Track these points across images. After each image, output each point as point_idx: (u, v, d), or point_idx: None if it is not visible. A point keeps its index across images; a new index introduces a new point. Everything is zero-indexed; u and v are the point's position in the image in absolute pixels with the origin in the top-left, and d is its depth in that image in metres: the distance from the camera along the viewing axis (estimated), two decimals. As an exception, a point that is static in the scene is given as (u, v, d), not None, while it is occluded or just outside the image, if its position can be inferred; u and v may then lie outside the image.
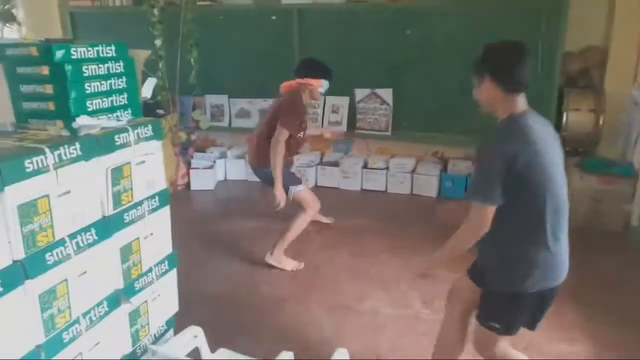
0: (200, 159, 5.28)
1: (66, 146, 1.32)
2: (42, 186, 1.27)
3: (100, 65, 1.48)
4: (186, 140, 5.16)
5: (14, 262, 1.22)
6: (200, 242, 3.95)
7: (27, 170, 1.22)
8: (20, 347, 1.22)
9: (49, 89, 1.41)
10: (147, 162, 1.64)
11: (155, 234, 1.73)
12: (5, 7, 3.75)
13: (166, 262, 1.81)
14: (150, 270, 1.72)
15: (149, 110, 4.82)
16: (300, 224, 3.32)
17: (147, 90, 5.07)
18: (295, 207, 3.38)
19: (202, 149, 5.49)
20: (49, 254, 1.30)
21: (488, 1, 4.42)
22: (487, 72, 1.60)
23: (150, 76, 5.05)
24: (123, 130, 1.51)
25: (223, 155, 5.47)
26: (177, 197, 5.03)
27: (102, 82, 1.49)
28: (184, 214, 4.63)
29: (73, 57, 1.41)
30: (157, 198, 1.71)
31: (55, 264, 1.32)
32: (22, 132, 1.39)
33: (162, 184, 1.73)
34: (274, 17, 4.96)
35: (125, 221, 1.57)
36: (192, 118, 5.20)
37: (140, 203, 1.63)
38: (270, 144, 3.13)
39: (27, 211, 1.23)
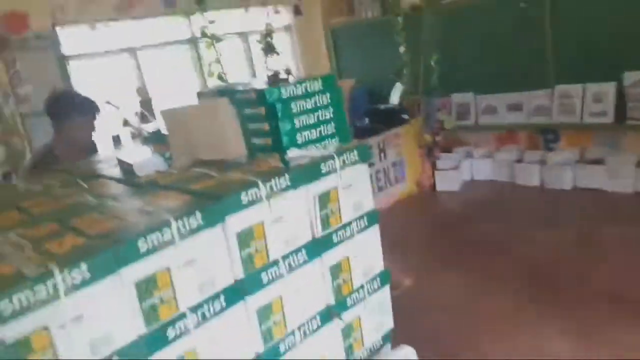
0: (445, 160, 5.25)
1: (277, 178, 1.49)
2: (257, 214, 1.46)
3: (308, 100, 1.62)
4: (431, 142, 5.18)
5: (235, 281, 1.43)
6: (439, 248, 3.94)
7: (243, 202, 1.41)
8: (242, 354, 1.43)
9: (266, 126, 1.60)
10: (354, 185, 1.72)
11: (364, 252, 1.80)
12: (267, 39, 4.38)
13: (378, 280, 1.87)
14: (361, 287, 1.80)
15: (394, 116, 5.02)
16: None
17: (394, 96, 5.27)
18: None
19: (448, 149, 5.44)
20: (264, 273, 1.48)
21: None
22: None
23: (397, 82, 5.24)
24: (329, 158, 1.62)
25: (469, 155, 5.32)
26: (422, 198, 5.11)
27: (310, 115, 1.63)
28: (426, 217, 4.69)
29: (283, 96, 1.57)
30: (365, 218, 1.78)
31: (270, 282, 1.49)
32: (249, 165, 1.63)
33: (369, 205, 1.79)
34: (522, 4, 4.57)
35: (334, 241, 1.68)
36: (437, 119, 5.20)
37: (348, 224, 1.72)
38: None
39: (245, 237, 1.43)
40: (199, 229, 1.35)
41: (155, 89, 4.94)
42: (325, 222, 1.65)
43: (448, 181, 5.07)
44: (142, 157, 1.87)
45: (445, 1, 4.82)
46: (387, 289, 1.93)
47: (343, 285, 1.74)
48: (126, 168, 1.88)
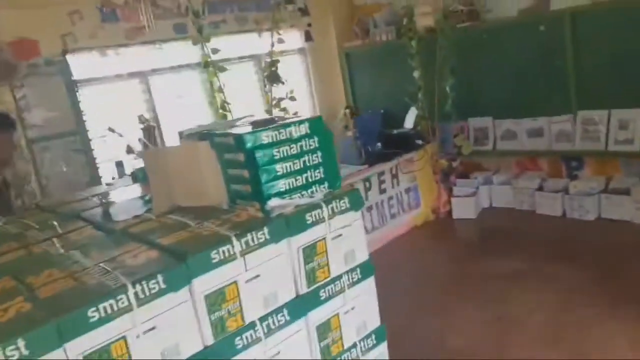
0: (462, 186, 5.06)
1: (254, 232, 1.36)
2: (230, 273, 1.32)
3: (292, 145, 1.49)
4: (447, 167, 5.00)
5: (205, 347, 1.29)
6: (450, 282, 3.74)
7: (214, 261, 1.28)
8: None
9: (245, 173, 1.47)
10: (345, 235, 1.58)
11: (357, 308, 1.64)
12: (272, 69, 4.28)
13: (373, 337, 1.71)
14: (354, 346, 1.64)
15: (408, 141, 4.86)
16: None
17: (409, 121, 5.12)
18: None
19: (465, 174, 5.24)
20: (239, 338, 1.34)
21: None
22: None
23: (412, 106, 5.09)
24: (315, 206, 1.48)
25: (487, 181, 5.11)
26: (437, 226, 4.92)
27: (295, 161, 1.49)
28: (440, 246, 4.49)
29: (264, 142, 1.44)
30: (358, 270, 1.63)
31: (246, 347, 1.35)
32: (228, 214, 1.50)
33: (363, 255, 1.65)
34: (542, 28, 4.39)
35: (322, 298, 1.53)
36: (453, 144, 5.01)
37: (338, 278, 1.58)
38: None
39: (216, 299, 1.29)
40: (161, 293, 1.22)
41: (165, 114, 4.89)
42: (311, 277, 1.50)
43: (465, 208, 4.87)
44: (122, 199, 1.76)
45: (460, 25, 4.67)
46: (384, 346, 1.77)
47: (332, 345, 1.58)
48: (105, 210, 1.77)
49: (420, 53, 4.78)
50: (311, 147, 1.54)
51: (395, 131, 4.94)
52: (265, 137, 1.45)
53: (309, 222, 1.47)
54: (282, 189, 1.47)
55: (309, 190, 1.53)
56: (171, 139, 4.89)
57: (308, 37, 5.70)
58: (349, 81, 6.15)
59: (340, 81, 6.19)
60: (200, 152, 1.55)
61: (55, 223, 1.75)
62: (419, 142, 4.80)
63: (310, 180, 1.54)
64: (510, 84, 4.67)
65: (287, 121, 1.52)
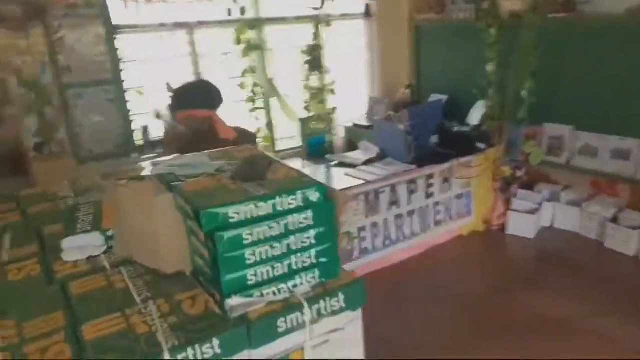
0: (523, 199, 4.46)
1: (200, 344, 0.98)
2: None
3: (274, 224, 1.07)
4: (510, 176, 4.41)
5: None
6: (485, 314, 3.27)
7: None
8: None
9: (205, 253, 1.08)
10: (334, 341, 1.17)
11: None
12: (313, 54, 3.77)
13: None
14: None
15: (468, 142, 4.29)
16: None
17: (474, 116, 4.52)
18: None
19: (529, 184, 4.63)
20: None
21: None
22: None
23: (480, 100, 4.47)
24: (294, 308, 1.08)
25: (554, 197, 4.50)
26: (485, 239, 4.39)
27: (275, 245, 1.08)
28: (485, 264, 4.00)
29: (232, 219, 1.04)
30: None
31: None
32: (181, 295, 1.13)
33: (358, 366, 1.24)
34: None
35: None
36: (521, 150, 4.38)
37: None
38: None
39: None
40: None
41: (208, 71, 4.53)
42: (275, 398, 1.13)
43: (522, 225, 4.29)
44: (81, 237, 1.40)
45: (552, 15, 3.93)
46: None
47: None
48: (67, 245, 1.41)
49: (499, 43, 4.11)
50: (302, 225, 1.12)
51: (455, 128, 4.36)
52: (235, 213, 1.04)
53: (281, 329, 1.08)
54: (250, 282, 1.08)
55: (290, 284, 1.12)
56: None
57: (368, 13, 5.11)
58: (416, 58, 5.52)
59: (405, 56, 5.57)
60: (158, 207, 1.17)
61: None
62: (481, 145, 4.21)
63: (294, 268, 1.13)
64: (601, 92, 3.96)
65: (270, 191, 1.09)
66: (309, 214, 1.11)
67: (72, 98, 4.05)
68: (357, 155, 4.29)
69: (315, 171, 4.21)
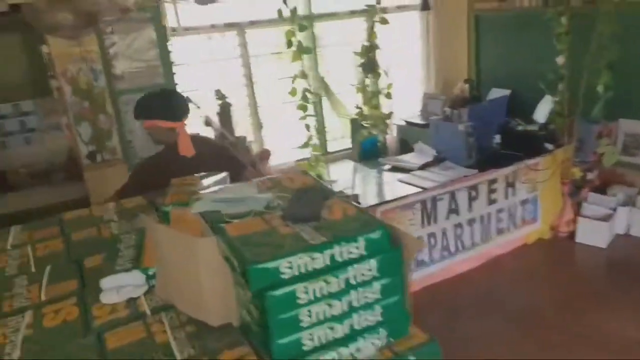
0: (595, 204, 4.11)
1: None
2: None
3: (331, 279, 0.91)
4: (580, 179, 4.07)
5: None
6: (554, 338, 3.00)
7: None
8: None
9: (254, 311, 0.93)
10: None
11: None
12: (369, 55, 3.54)
13: None
14: None
15: (534, 143, 3.97)
16: None
17: (540, 113, 4.20)
18: None
19: (602, 187, 4.26)
20: None
21: None
22: None
23: (547, 95, 4.14)
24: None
25: (629, 201, 4.12)
26: (552, 248, 4.07)
27: (334, 302, 0.92)
28: (552, 277, 3.69)
29: (283, 276, 0.88)
30: None
31: None
32: (218, 352, 0.99)
33: None
34: None
35: None
36: (593, 150, 4.03)
37: None
38: None
39: None
40: None
41: (259, 72, 4.44)
42: None
43: (594, 233, 3.94)
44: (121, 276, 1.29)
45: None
46: None
47: None
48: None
49: (570, 33, 3.76)
50: (364, 278, 0.95)
51: (520, 127, 4.05)
52: (287, 268, 0.88)
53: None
54: (306, 347, 0.92)
55: (352, 347, 0.96)
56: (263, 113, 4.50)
57: (425, 6, 4.86)
58: (475, 50, 5.21)
59: (463, 48, 5.26)
60: (199, 251, 1.03)
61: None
62: (549, 146, 3.89)
63: (356, 328, 0.96)
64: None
65: (327, 237, 0.93)
66: (373, 263, 0.94)
67: (124, 104, 4.04)
68: (412, 159, 4.06)
69: (367, 176, 4.02)
